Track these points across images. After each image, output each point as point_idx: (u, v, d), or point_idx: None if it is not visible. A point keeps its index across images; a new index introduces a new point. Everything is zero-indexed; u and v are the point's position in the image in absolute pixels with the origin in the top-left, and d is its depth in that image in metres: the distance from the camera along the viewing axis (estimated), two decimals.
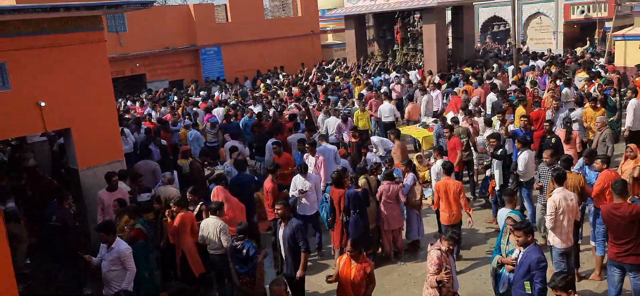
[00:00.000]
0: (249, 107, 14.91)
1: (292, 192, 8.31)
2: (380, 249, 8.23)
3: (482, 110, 12.25)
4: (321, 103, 14.29)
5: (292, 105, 14.66)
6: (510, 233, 5.87)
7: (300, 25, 27.30)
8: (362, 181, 7.90)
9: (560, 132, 9.83)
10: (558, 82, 13.72)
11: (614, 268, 5.96)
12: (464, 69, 18.14)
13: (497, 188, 8.65)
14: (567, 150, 9.16)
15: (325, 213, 8.02)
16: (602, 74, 14.94)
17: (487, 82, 14.79)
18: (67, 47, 7.97)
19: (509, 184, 8.60)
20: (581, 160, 8.02)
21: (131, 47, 21.31)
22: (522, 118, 10.16)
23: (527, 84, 14.09)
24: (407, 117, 13.99)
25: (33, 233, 8.32)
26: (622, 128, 11.39)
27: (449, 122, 10.75)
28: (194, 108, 15.32)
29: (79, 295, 7.54)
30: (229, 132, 12.21)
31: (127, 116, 14.56)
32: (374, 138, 11.26)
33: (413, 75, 18.42)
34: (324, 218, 8.09)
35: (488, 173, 9.55)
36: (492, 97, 13.29)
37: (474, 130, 10.68)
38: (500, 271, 5.87)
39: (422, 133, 12.41)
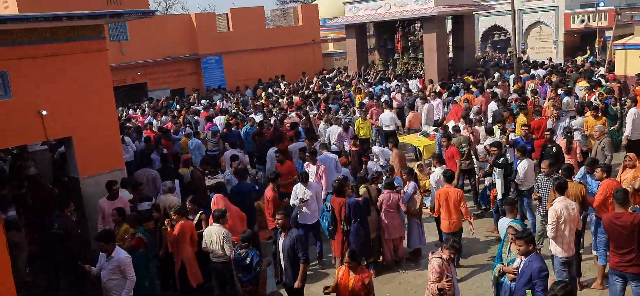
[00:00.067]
0: (250, 115, 14.94)
1: (293, 201, 8.31)
2: (381, 258, 8.21)
3: (482, 119, 12.26)
4: (322, 112, 14.31)
5: (293, 114, 14.68)
6: (511, 242, 5.86)
7: (301, 34, 27.41)
8: (362, 190, 7.90)
9: (561, 141, 9.83)
10: (559, 91, 13.74)
11: (616, 277, 5.94)
12: (465, 78, 18.18)
13: (498, 197, 8.64)
14: (568, 160, 9.15)
15: (326, 222, 8.01)
16: (603, 82, 14.96)
17: (488, 90, 14.82)
18: (69, 55, 8.00)
19: (510, 193, 8.59)
20: (583, 169, 8.01)
21: (133, 56, 21.38)
22: (523, 127, 10.17)
23: (528, 93, 14.10)
24: (407, 126, 14.00)
25: (34, 242, 8.31)
26: (623, 137, 11.39)
27: (451, 131, 10.78)
28: (195, 117, 15.35)
29: None
30: (228, 141, 12.23)
31: (128, 124, 14.57)
32: (375, 148, 11.27)
33: (414, 84, 18.46)
34: (325, 227, 8.08)
35: (487, 182, 9.55)
36: (492, 105, 13.32)
37: (475, 139, 10.69)
38: (502, 279, 5.86)
39: (423, 141, 12.41)
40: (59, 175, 10.62)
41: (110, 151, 8.66)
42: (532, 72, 18.22)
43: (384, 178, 8.37)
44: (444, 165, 9.04)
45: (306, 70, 24.53)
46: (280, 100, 17.97)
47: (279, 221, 6.48)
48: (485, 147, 9.88)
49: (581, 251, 7.34)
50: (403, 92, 16.65)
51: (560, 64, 21.93)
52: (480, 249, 8.49)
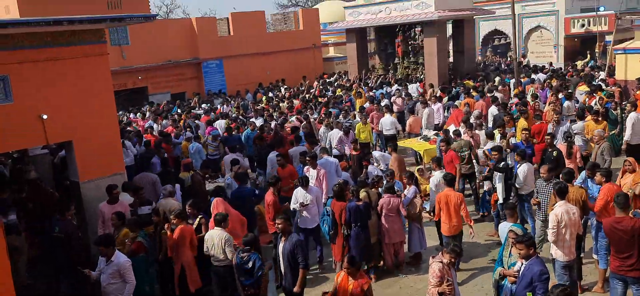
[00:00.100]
0: (251, 119, 14.95)
1: (294, 205, 8.30)
2: (381, 262, 8.20)
3: (483, 123, 12.26)
4: (322, 116, 14.32)
5: (293, 118, 14.69)
6: (512, 246, 5.85)
7: (301, 38, 27.46)
8: (362, 194, 7.90)
9: (561, 145, 9.84)
10: (559, 95, 13.75)
11: (617, 281, 5.94)
12: (465, 82, 18.19)
13: (499, 201, 8.64)
14: (568, 164, 9.15)
15: (327, 226, 7.99)
16: (603, 87, 14.97)
17: (489, 95, 14.83)
18: (69, 60, 8.02)
19: (511, 198, 8.59)
20: (584, 173, 8.02)
21: (133, 60, 21.42)
22: (523, 132, 10.17)
23: (528, 97, 14.11)
24: (408, 130, 14.00)
25: (34, 246, 8.31)
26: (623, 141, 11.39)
27: (452, 135, 10.78)
28: (196, 121, 15.37)
29: None
30: (228, 145, 12.23)
31: (129, 128, 14.59)
32: (376, 153, 11.28)
33: (414, 88, 18.47)
34: (325, 232, 8.07)
35: (486, 187, 9.55)
36: (493, 110, 13.33)
37: (475, 143, 10.69)
38: (503, 283, 5.85)
39: (423, 146, 12.41)
40: (60, 179, 10.64)
41: (111, 155, 8.67)
42: (533, 76, 18.23)
43: (385, 182, 8.37)
44: (443, 170, 9.04)
45: (307, 75, 24.56)
46: (280, 104, 17.99)
47: (280, 225, 6.48)
48: (484, 151, 9.88)
49: (582, 255, 7.34)
50: (403, 96, 16.66)
51: (561, 68, 21.95)
52: (481, 253, 8.48)
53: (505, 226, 6.48)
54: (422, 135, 13.27)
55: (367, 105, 15.41)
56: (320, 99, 17.89)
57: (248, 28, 24.99)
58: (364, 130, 12.83)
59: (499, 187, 8.63)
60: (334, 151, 11.91)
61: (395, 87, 18.49)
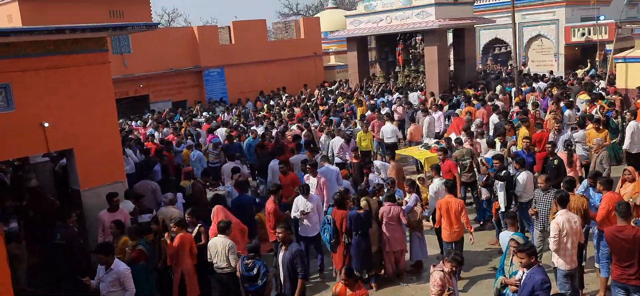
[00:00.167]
0: (252, 127, 14.96)
1: (294, 213, 8.29)
2: (382, 271, 8.17)
3: (484, 131, 12.26)
4: (323, 124, 14.33)
5: (294, 126, 14.71)
6: (513, 255, 5.84)
7: (302, 47, 27.54)
8: (363, 203, 7.89)
9: (562, 153, 9.83)
10: (560, 104, 13.76)
11: (619, 290, 5.91)
12: (466, 91, 18.20)
13: (501, 209, 8.62)
14: (568, 173, 9.14)
15: (327, 235, 7.97)
16: (604, 95, 14.98)
17: (490, 103, 14.84)
18: (71, 68, 8.05)
19: (512, 206, 8.58)
20: (585, 182, 8.01)
21: (135, 68, 21.49)
22: (524, 140, 10.18)
23: (529, 106, 14.12)
24: (409, 138, 14.01)
25: (35, 253, 8.29)
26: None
27: (454, 143, 10.79)
28: (197, 129, 15.39)
29: None
30: (228, 153, 12.20)
31: (130, 136, 14.61)
32: (377, 162, 11.27)
33: (415, 96, 18.49)
34: (326, 240, 8.04)
35: (484, 196, 9.53)
36: (494, 118, 13.33)
37: (476, 152, 10.69)
38: (504, 291, 5.84)
39: (424, 154, 12.40)
40: (63, 187, 10.64)
41: (112, 163, 8.68)
42: (533, 85, 18.25)
43: (386, 190, 8.36)
44: (442, 177, 9.05)
45: (308, 83, 24.62)
46: (281, 113, 18.02)
47: (280, 234, 6.48)
48: (480, 160, 9.89)
49: (584, 263, 7.31)
50: (404, 104, 16.68)
51: (561, 77, 21.98)
52: (482, 261, 8.45)
53: (506, 235, 6.47)
54: (423, 144, 13.27)
55: (368, 113, 15.43)
56: (321, 107, 17.92)
57: (249, 36, 25.08)
58: (365, 138, 12.84)
59: (501, 195, 8.62)
60: (336, 159, 11.91)
61: (396, 95, 18.52)
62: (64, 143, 8.23)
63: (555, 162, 9.21)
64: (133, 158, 11.73)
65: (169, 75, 22.91)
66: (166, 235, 7.32)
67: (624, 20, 22.02)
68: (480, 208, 9.85)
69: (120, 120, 18.07)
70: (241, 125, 16.48)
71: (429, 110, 14.56)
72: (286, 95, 22.97)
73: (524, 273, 5.42)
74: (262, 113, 18.47)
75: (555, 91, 16.52)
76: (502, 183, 8.57)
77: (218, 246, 6.85)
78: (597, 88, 16.62)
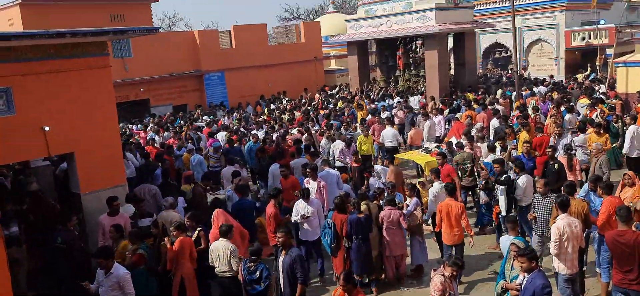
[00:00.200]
0: (252, 131, 14.97)
1: (295, 217, 8.29)
2: (383, 275, 8.16)
3: (485, 136, 12.26)
4: (323, 128, 14.34)
5: (295, 130, 14.71)
6: (514, 259, 5.83)
7: (303, 51, 27.58)
8: (363, 207, 7.88)
9: (562, 158, 9.83)
10: (561, 108, 13.76)
11: (619, 295, 5.90)
12: (466, 95, 18.21)
13: (502, 214, 8.61)
14: (569, 177, 9.15)
15: (328, 239, 7.95)
16: (605, 100, 14.99)
17: (490, 107, 14.85)
18: (72, 72, 8.06)
19: (513, 210, 8.57)
20: (586, 186, 8.00)
21: (136, 72, 21.53)
22: (525, 144, 10.18)
23: (529, 110, 14.13)
24: (409, 142, 14.01)
25: (36, 257, 8.28)
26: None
27: (455, 147, 10.78)
28: (198, 133, 15.40)
29: None
30: (228, 157, 12.17)
31: (131, 140, 14.62)
32: (377, 167, 11.26)
33: (416, 100, 18.51)
34: (327, 244, 8.03)
35: (482, 200, 9.53)
36: (494, 122, 13.34)
37: (476, 156, 10.68)
38: None
39: (425, 158, 12.39)
40: (63, 191, 10.64)
41: (113, 167, 8.68)
42: (534, 89, 18.26)
43: (386, 195, 8.36)
44: (441, 181, 9.05)
45: (308, 87, 24.66)
46: (282, 117, 18.03)
47: (280, 239, 6.48)
48: (479, 164, 9.88)
49: (584, 268, 7.29)
50: (403, 108, 16.69)
51: (562, 81, 21.99)
52: (483, 266, 8.44)
53: (506, 239, 6.46)
54: (423, 148, 13.27)
55: (369, 117, 15.44)
56: (321, 111, 17.93)
57: (250, 41, 25.13)
58: (365, 142, 12.84)
59: (502, 199, 8.61)
60: (337, 163, 11.91)
61: (396, 99, 18.54)
62: (64, 147, 8.23)
63: (556, 166, 9.21)
64: (133, 162, 11.73)
65: (169, 79, 22.94)
66: (166, 239, 7.31)
67: (624, 24, 22.06)
68: (479, 213, 9.83)
69: (121, 124, 18.10)
70: (241, 129, 16.49)
71: (430, 114, 14.57)
72: (286, 99, 22.99)
73: (524, 277, 5.41)
74: (262, 117, 18.48)
75: (555, 95, 16.53)
76: (503, 187, 8.57)
77: (220, 250, 6.85)
78: (598, 93, 16.62)
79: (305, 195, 8.27)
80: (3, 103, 7.45)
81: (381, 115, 15.42)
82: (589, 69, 23.52)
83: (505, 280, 5.90)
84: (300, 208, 8.21)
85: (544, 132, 11.53)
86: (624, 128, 12.16)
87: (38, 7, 19.60)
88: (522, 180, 8.45)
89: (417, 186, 9.38)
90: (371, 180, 9.86)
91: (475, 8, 25.12)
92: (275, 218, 8.11)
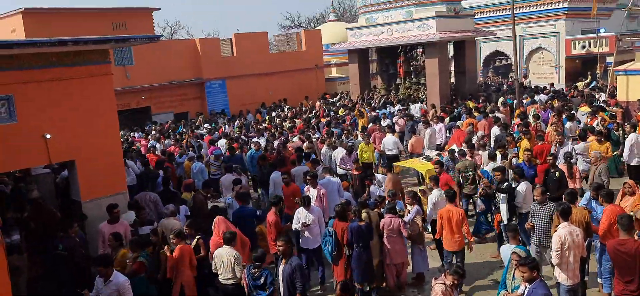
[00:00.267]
0: (253, 139, 14.98)
1: (295, 225, 8.28)
2: (384, 283, 8.13)
3: (486, 143, 12.26)
4: (324, 136, 14.34)
5: (296, 138, 14.72)
6: (515, 269, 5.80)
7: (304, 59, 27.65)
8: (363, 215, 7.87)
9: (562, 166, 9.83)
10: (562, 116, 13.76)
11: None
12: (467, 103, 18.22)
13: (503, 222, 8.59)
14: (569, 185, 9.13)
15: (329, 247, 7.92)
16: (606, 108, 15.00)
17: (491, 115, 14.86)
18: (74, 80, 8.09)
19: (514, 219, 8.55)
20: (588, 194, 7.97)
21: (137, 80, 21.58)
22: (526, 152, 10.18)
23: (530, 118, 14.13)
24: (410, 150, 14.01)
25: (37, 265, 8.28)
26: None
27: (457, 155, 10.78)
28: (199, 141, 15.41)
29: None
30: (226, 165, 12.14)
31: (132, 148, 14.63)
32: (378, 176, 11.26)
33: (417, 108, 18.52)
34: (327, 252, 8.01)
35: (478, 208, 9.51)
36: (495, 130, 13.34)
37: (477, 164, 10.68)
38: None
39: (425, 166, 12.37)
40: (63, 198, 10.64)
41: (114, 174, 8.69)
42: (534, 97, 18.27)
43: (387, 203, 8.35)
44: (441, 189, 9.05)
45: (309, 95, 24.71)
46: (283, 124, 18.05)
47: (280, 248, 6.47)
48: (477, 172, 9.87)
49: (586, 278, 7.25)
50: (404, 116, 16.70)
51: (562, 89, 22.00)
52: (484, 275, 8.41)
53: (507, 248, 6.44)
54: (424, 156, 13.26)
55: (369, 125, 15.45)
56: (322, 119, 17.95)
57: (251, 49, 25.20)
58: (366, 150, 12.84)
59: (503, 207, 8.59)
60: (339, 170, 11.91)
61: (398, 107, 18.56)
62: (65, 155, 8.25)
63: (557, 174, 9.21)
64: (134, 169, 11.74)
65: (170, 87, 23.00)
66: (166, 247, 7.31)
67: (624, 33, 22.08)
68: (477, 222, 9.79)
69: (122, 132, 18.13)
70: (242, 136, 16.50)
71: (430, 122, 14.59)
72: (287, 107, 23.02)
73: (526, 287, 5.38)
74: (263, 124, 18.50)
75: (556, 103, 16.53)
76: (505, 195, 8.56)
77: (224, 257, 6.84)
78: (598, 101, 16.63)
79: (306, 202, 8.26)
80: (5, 111, 7.47)
81: (382, 123, 15.42)
82: (590, 77, 23.54)
83: (507, 290, 5.87)
84: (301, 215, 8.21)
85: (544, 140, 11.53)
86: (625, 136, 12.17)
87: (40, 16, 19.70)
88: (522, 187, 8.46)
89: (418, 194, 9.37)
90: (372, 188, 9.86)
91: (476, 16, 25.17)
92: (276, 226, 8.10)
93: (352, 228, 7.49)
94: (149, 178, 11.25)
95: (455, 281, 5.66)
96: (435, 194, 8.79)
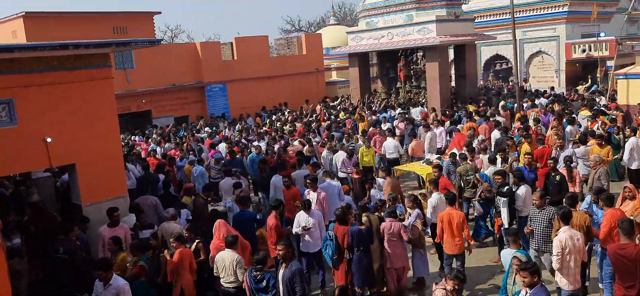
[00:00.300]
0: (254, 143, 14.99)
1: (296, 229, 8.27)
2: (384, 288, 8.12)
3: (487, 147, 12.26)
4: (325, 139, 14.35)
5: (296, 142, 14.73)
6: (516, 274, 5.79)
7: (304, 63, 27.68)
8: (364, 219, 7.86)
9: (563, 170, 9.83)
10: (562, 120, 13.77)
11: None
12: (467, 106, 18.23)
13: (505, 226, 8.58)
14: (570, 189, 9.13)
15: (330, 251, 7.91)
16: (606, 112, 15.00)
17: (492, 119, 14.86)
18: (75, 83, 8.10)
19: (514, 223, 8.55)
20: (588, 198, 7.97)
21: (138, 84, 21.60)
22: (526, 156, 10.18)
23: (530, 122, 14.14)
24: (410, 154, 14.02)
25: (37, 268, 8.27)
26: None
27: (458, 159, 10.78)
28: (199, 144, 15.41)
29: None
30: (226, 169, 12.12)
31: (133, 152, 14.63)
32: (379, 180, 11.27)
33: (417, 111, 18.53)
34: (328, 256, 8.00)
35: (476, 212, 9.50)
36: (495, 134, 13.34)
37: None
38: None
39: (426, 170, 12.38)
40: (64, 202, 10.64)
41: (114, 178, 8.69)
42: (535, 100, 18.28)
43: (387, 207, 8.34)
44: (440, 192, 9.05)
45: (310, 98, 24.72)
46: (283, 128, 18.06)
47: (280, 252, 6.46)
48: (475, 176, 9.87)
49: (587, 284, 7.24)
50: (404, 120, 16.70)
51: (563, 93, 22.01)
52: (484, 279, 8.39)
53: (508, 253, 6.43)
54: (424, 159, 13.27)
55: (370, 129, 15.46)
56: (323, 123, 17.96)
57: (252, 52, 25.23)
58: (367, 154, 12.85)
59: (504, 211, 8.58)
60: (340, 174, 11.90)
61: (398, 110, 18.58)
62: (66, 159, 8.25)
63: (558, 178, 9.21)
64: (134, 173, 11.73)
65: (171, 90, 23.02)
66: (166, 251, 7.30)
67: (624, 36, 22.10)
68: (476, 226, 9.77)
69: (123, 136, 18.13)
70: (242, 140, 16.50)
71: (431, 126, 14.59)
72: (288, 110, 23.04)
73: (527, 292, 5.36)
74: (263, 128, 18.51)
75: (556, 107, 16.53)
76: (505, 199, 8.55)
77: (226, 261, 6.85)
78: (598, 105, 16.64)
79: (307, 206, 8.26)
80: (5, 115, 7.48)
81: (382, 127, 15.42)
82: (590, 80, 23.54)
83: (507, 295, 5.86)
84: (301, 219, 8.20)
85: (545, 143, 11.53)
86: (625, 140, 12.17)
87: (41, 19, 19.74)
88: (522, 190, 8.45)
89: (419, 197, 9.36)
90: (373, 191, 9.85)
91: (476, 20, 25.21)
92: (277, 230, 8.09)
93: (353, 232, 7.48)
94: (150, 181, 11.23)
95: (456, 287, 5.65)
96: (435, 198, 8.80)
